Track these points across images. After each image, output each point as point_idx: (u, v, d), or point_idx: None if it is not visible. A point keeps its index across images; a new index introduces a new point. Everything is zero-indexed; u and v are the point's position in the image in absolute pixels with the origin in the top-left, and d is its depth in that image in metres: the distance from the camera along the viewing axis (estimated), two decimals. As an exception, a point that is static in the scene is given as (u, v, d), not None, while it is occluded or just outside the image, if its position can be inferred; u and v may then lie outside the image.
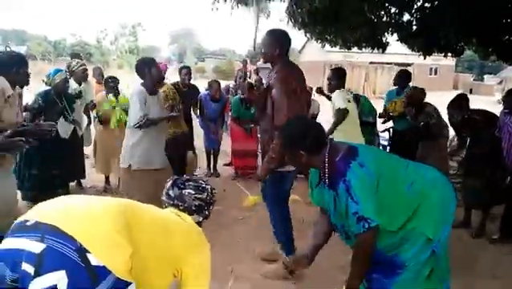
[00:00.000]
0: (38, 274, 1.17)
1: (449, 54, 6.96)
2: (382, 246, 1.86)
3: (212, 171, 5.83)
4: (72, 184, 4.76)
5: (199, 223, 1.83)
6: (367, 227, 1.76)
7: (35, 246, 1.19)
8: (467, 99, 4.04)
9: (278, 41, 2.78)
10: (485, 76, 37.03)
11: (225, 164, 6.21)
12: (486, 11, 4.86)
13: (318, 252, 2.14)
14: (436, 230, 1.87)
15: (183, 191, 1.80)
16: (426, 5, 5.95)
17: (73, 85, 4.78)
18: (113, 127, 4.64)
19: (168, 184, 1.84)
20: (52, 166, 4.13)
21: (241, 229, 3.96)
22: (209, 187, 1.89)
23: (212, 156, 5.82)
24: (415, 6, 6.01)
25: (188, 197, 1.79)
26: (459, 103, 3.98)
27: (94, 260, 1.21)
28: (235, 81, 9.44)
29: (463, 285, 2.91)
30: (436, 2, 5.78)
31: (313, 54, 26.33)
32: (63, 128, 4.18)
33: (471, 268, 3.25)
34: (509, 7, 5.11)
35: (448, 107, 4.06)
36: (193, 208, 1.80)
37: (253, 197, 4.69)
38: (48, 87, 4.23)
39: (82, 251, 1.21)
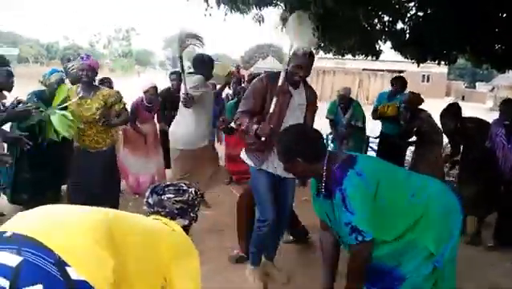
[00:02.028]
0: (13, 288, 1.10)
1: (442, 62, 7.02)
2: (380, 255, 1.83)
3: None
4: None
5: (186, 227, 1.77)
6: (360, 240, 1.73)
7: (11, 259, 1.12)
8: (459, 108, 4.05)
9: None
10: (477, 84, 37.47)
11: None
12: (479, 20, 4.90)
13: (334, 273, 2.13)
14: (439, 245, 1.83)
15: (162, 197, 1.74)
16: (419, 13, 5.99)
17: (68, 86, 4.72)
18: None
19: (147, 193, 1.79)
20: (44, 168, 4.07)
21: (234, 235, 3.91)
22: (192, 189, 1.82)
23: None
24: (408, 15, 6.04)
25: (168, 202, 1.73)
26: (451, 112, 3.99)
27: (74, 274, 1.15)
28: (229, 86, 9.41)
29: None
30: (430, 11, 5.82)
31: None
32: None
33: (466, 275, 3.23)
34: (502, 17, 5.16)
35: (441, 116, 4.07)
36: (175, 211, 1.73)
37: (247, 203, 4.66)
38: (44, 88, 4.17)
39: (61, 265, 1.14)
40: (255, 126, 2.66)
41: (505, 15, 5.06)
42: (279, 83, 2.75)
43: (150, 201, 1.75)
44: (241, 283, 3.01)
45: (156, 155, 4.92)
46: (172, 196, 1.75)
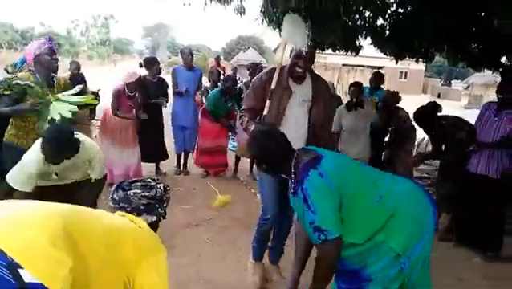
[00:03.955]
0: None
1: (420, 59, 7.11)
2: (347, 256, 1.83)
3: (181, 169, 5.67)
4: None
5: (154, 224, 1.71)
6: (323, 239, 1.72)
7: None
8: (434, 108, 4.05)
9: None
10: (453, 81, 38.26)
11: (195, 163, 6.09)
12: (457, 19, 4.96)
13: (303, 265, 2.16)
14: (407, 246, 1.80)
15: (128, 192, 1.68)
16: (400, 10, 6.04)
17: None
18: None
19: (113, 188, 1.74)
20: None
21: (209, 229, 3.89)
22: (160, 185, 1.78)
23: (183, 155, 5.67)
24: (389, 12, 6.08)
25: (134, 197, 1.68)
26: (425, 115, 4.00)
27: (28, 276, 1.09)
28: (209, 79, 9.33)
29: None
30: (410, 9, 5.88)
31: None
32: None
33: (436, 270, 3.30)
34: (479, 16, 5.25)
35: (414, 117, 4.10)
36: (142, 207, 1.68)
37: (224, 196, 4.63)
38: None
39: (13, 267, 1.08)
40: (253, 126, 2.62)
41: (482, 14, 5.15)
42: (272, 83, 2.70)
43: (115, 196, 1.69)
44: (216, 276, 2.99)
45: (133, 147, 4.82)
46: (138, 191, 1.70)
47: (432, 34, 5.47)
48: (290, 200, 2.04)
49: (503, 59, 6.46)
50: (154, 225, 1.71)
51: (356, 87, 4.83)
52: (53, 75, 3.27)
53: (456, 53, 6.56)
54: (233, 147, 6.20)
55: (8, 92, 3.01)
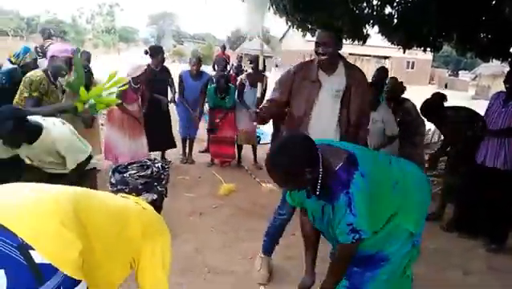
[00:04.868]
0: None
1: (428, 48, 7.01)
2: (365, 245, 1.83)
3: (187, 157, 5.70)
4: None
5: (157, 204, 1.71)
6: (357, 238, 1.72)
7: None
8: (441, 99, 4.01)
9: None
10: (460, 72, 37.90)
11: (201, 151, 6.10)
12: (466, 8, 4.88)
13: (316, 258, 2.12)
14: (418, 225, 1.92)
15: (125, 174, 1.69)
16: (408, -1, 5.95)
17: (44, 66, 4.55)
18: None
19: (110, 173, 1.74)
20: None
21: (214, 217, 3.90)
22: (158, 164, 1.76)
23: (188, 142, 5.69)
24: (397, 0, 5.99)
25: (131, 178, 1.68)
26: (432, 106, 3.97)
27: (38, 257, 1.09)
28: (213, 68, 9.29)
29: (434, 277, 2.98)
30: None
31: (294, 43, 26.26)
32: None
33: (442, 261, 3.31)
34: (488, 4, 5.16)
35: (421, 110, 4.07)
36: (140, 187, 1.68)
37: (229, 185, 4.64)
38: (15, 66, 4.00)
39: (24, 248, 1.09)
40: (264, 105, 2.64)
41: (493, 2, 5.05)
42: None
43: (112, 180, 1.70)
44: (221, 265, 3.00)
45: (140, 137, 4.81)
46: (134, 172, 1.70)
47: (440, 23, 5.39)
48: (295, 194, 1.99)
49: (512, 49, 6.36)
50: (157, 206, 1.71)
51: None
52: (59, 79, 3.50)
53: (464, 42, 6.46)
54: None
55: (35, 94, 3.24)
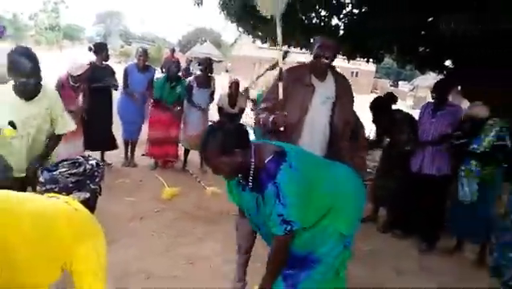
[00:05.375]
0: None
1: (371, 59, 7.33)
2: (296, 243, 1.86)
3: (129, 160, 5.47)
4: None
5: (90, 204, 1.63)
6: (288, 230, 1.74)
7: None
8: (391, 99, 4.22)
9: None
10: (400, 82, 39.99)
11: (144, 154, 5.89)
12: (408, 23, 5.15)
13: (248, 262, 2.12)
14: (349, 227, 1.95)
15: (54, 172, 1.59)
16: (354, 11, 6.18)
17: None
18: None
19: (39, 172, 1.66)
20: None
21: (156, 222, 3.79)
22: (92, 162, 1.68)
23: (130, 144, 5.47)
24: (344, 12, 6.21)
25: (61, 176, 1.58)
26: (383, 103, 4.15)
27: None
28: (161, 70, 9.11)
29: (368, 277, 3.09)
30: (364, 10, 6.03)
31: (245, 49, 26.41)
32: None
33: (376, 262, 3.44)
34: (427, 20, 5.48)
35: (371, 107, 4.23)
36: (70, 185, 1.59)
37: (172, 189, 4.53)
38: None
39: None
40: (271, 117, 2.50)
41: (430, 19, 5.37)
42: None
43: (41, 179, 1.60)
44: (161, 270, 2.92)
45: (76, 138, 4.54)
46: (65, 170, 1.61)
47: (383, 36, 5.65)
48: (234, 192, 2.01)
49: (447, 62, 6.80)
50: (90, 205, 1.62)
51: None
52: None
53: (404, 55, 6.83)
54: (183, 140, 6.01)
55: None
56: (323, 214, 1.89)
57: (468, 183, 3.51)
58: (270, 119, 2.50)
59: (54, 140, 2.80)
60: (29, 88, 2.47)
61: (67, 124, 2.84)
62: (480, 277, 3.38)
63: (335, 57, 2.62)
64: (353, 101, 2.79)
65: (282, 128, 2.49)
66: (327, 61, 2.57)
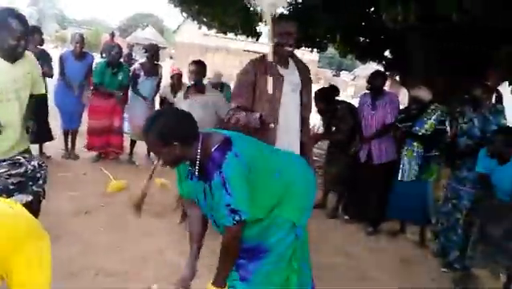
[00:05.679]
0: None
1: (315, 49, 7.49)
2: (248, 234, 1.86)
3: (69, 152, 5.20)
4: None
5: (33, 207, 1.53)
6: (237, 220, 1.73)
7: None
8: (332, 90, 4.35)
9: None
10: (342, 72, 41.27)
11: (84, 147, 5.62)
12: (349, 12, 5.31)
13: (200, 249, 2.09)
14: (301, 216, 1.95)
15: None
16: (299, 0, 6.26)
17: None
18: None
19: None
20: None
21: (102, 216, 3.65)
22: (34, 162, 1.59)
23: (70, 135, 5.19)
24: (288, 1, 6.25)
25: (0, 177, 1.50)
26: (323, 94, 4.26)
27: None
28: (101, 55, 8.69)
29: (318, 262, 3.17)
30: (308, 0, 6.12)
31: (189, 36, 25.86)
32: None
33: (325, 245, 3.57)
34: (368, 12, 5.68)
35: (317, 99, 4.33)
36: (11, 187, 1.49)
37: (118, 182, 4.38)
38: None
39: None
40: (257, 114, 2.41)
41: (372, 9, 5.57)
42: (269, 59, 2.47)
43: None
44: (111, 265, 2.83)
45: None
46: (4, 170, 1.51)
47: (326, 26, 5.77)
48: (184, 184, 1.97)
49: (386, 53, 7.12)
50: (33, 209, 1.52)
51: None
52: None
53: (346, 45, 7.05)
54: (129, 130, 5.80)
55: None
56: (273, 204, 1.89)
57: (408, 162, 3.74)
58: (255, 117, 2.43)
59: (32, 102, 2.69)
60: (19, 51, 2.40)
61: (43, 86, 2.85)
62: (420, 257, 3.65)
63: (297, 43, 2.59)
64: (311, 88, 2.80)
65: (272, 125, 2.46)
66: (290, 49, 2.55)
